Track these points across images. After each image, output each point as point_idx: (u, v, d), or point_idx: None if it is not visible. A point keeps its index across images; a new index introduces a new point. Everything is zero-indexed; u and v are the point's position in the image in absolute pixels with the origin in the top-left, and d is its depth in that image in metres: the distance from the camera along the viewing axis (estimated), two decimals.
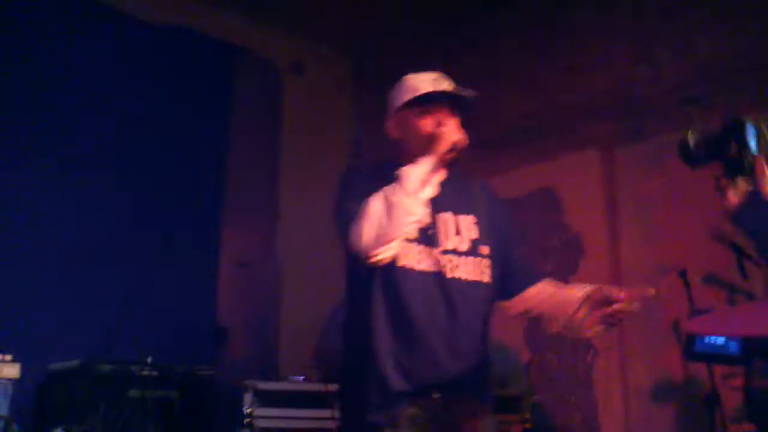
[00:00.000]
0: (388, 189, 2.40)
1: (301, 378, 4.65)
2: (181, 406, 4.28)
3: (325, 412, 4.24)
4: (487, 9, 5.96)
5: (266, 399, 4.31)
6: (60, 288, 4.87)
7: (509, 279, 2.70)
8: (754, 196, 2.14)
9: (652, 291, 2.39)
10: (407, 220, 2.38)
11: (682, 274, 4.42)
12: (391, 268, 2.45)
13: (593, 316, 2.48)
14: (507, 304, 2.74)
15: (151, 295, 5.30)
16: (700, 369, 4.36)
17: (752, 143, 2.09)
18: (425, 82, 2.63)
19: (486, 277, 2.59)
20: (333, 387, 4.30)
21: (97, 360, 4.23)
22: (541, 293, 2.70)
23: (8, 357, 4.05)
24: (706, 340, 2.52)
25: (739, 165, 2.11)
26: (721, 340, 2.63)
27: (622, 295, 2.44)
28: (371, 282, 2.50)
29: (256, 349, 5.82)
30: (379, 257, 2.39)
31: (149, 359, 4.33)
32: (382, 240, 2.37)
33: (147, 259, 5.38)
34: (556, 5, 5.73)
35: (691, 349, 2.61)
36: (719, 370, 4.24)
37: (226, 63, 6.32)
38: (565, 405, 5.12)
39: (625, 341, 4.96)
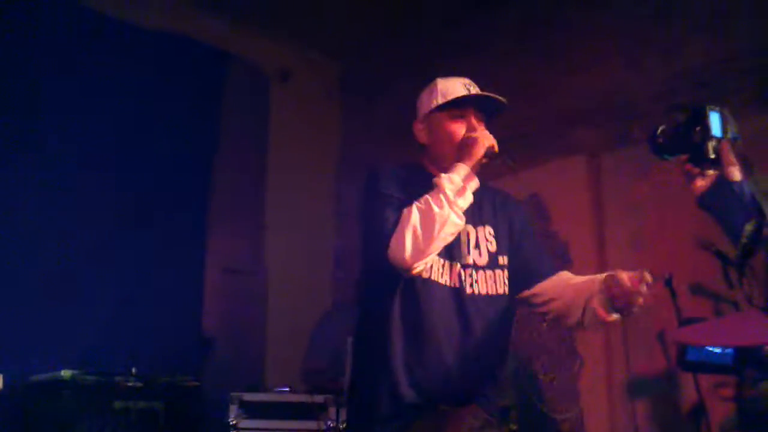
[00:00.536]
0: (426, 199, 2.38)
1: (287, 389, 4.63)
2: (166, 417, 4.26)
3: (311, 424, 4.24)
4: (474, 10, 5.94)
5: (252, 410, 4.30)
6: (44, 298, 4.84)
7: (527, 270, 2.65)
8: (719, 179, 2.23)
9: (648, 276, 2.34)
10: (449, 231, 2.38)
11: (668, 282, 4.41)
12: (414, 279, 2.44)
13: (609, 302, 2.40)
14: (528, 294, 2.66)
15: (136, 304, 5.27)
16: (686, 379, 4.35)
17: (715, 128, 2.08)
18: (457, 86, 2.62)
19: (504, 289, 2.57)
20: (319, 398, 4.31)
21: (81, 371, 4.20)
22: (560, 282, 2.64)
23: None
24: (699, 349, 2.51)
25: (703, 150, 2.14)
26: (715, 349, 2.61)
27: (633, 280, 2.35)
28: (393, 291, 2.48)
29: (242, 359, 5.80)
30: (418, 270, 2.38)
31: (134, 370, 4.31)
32: (424, 253, 2.35)
33: (131, 268, 5.35)
34: (542, 11, 5.71)
35: (683, 358, 2.60)
36: (709, 379, 4.26)
37: (215, 69, 6.30)
38: (552, 414, 5.10)
39: (610, 350, 4.94)
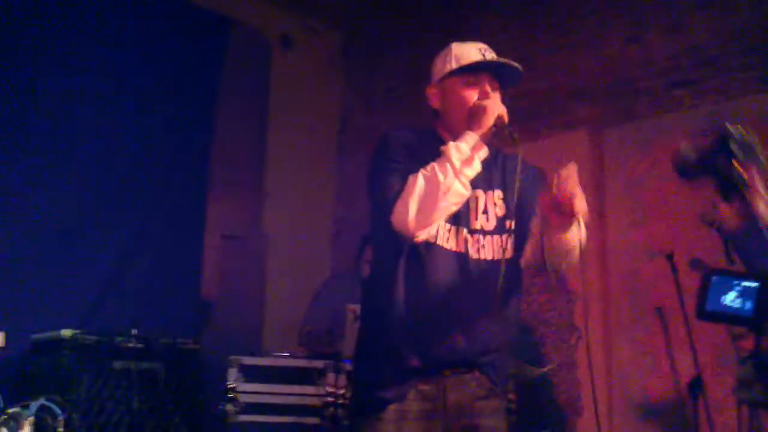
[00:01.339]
0: (433, 166, 2.35)
1: (286, 354, 4.65)
2: (165, 378, 4.28)
3: (309, 389, 4.25)
4: None
5: (250, 374, 4.31)
6: (45, 258, 4.83)
7: (521, 232, 2.59)
8: (749, 222, 2.08)
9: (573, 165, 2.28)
10: (454, 200, 2.36)
11: (669, 258, 4.44)
12: (419, 244, 2.42)
13: (558, 219, 2.35)
14: (523, 260, 2.61)
15: (136, 267, 5.27)
16: (684, 353, 4.39)
17: (738, 152, 2.05)
18: (472, 51, 2.57)
19: (509, 253, 2.50)
20: (319, 363, 4.33)
21: (81, 331, 4.20)
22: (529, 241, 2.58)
23: None
24: (720, 299, 2.51)
25: (729, 179, 2.07)
26: (735, 301, 2.61)
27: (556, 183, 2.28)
28: (398, 256, 2.47)
29: (241, 323, 5.81)
30: (422, 237, 2.37)
31: (134, 331, 4.32)
32: (427, 220, 2.34)
33: (132, 231, 5.34)
34: None
35: (702, 307, 2.59)
36: (709, 354, 4.29)
37: (216, 35, 6.24)
38: (548, 386, 5.14)
39: (609, 324, 4.97)
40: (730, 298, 2.58)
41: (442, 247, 2.46)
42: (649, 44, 5.11)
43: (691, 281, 4.21)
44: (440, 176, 2.32)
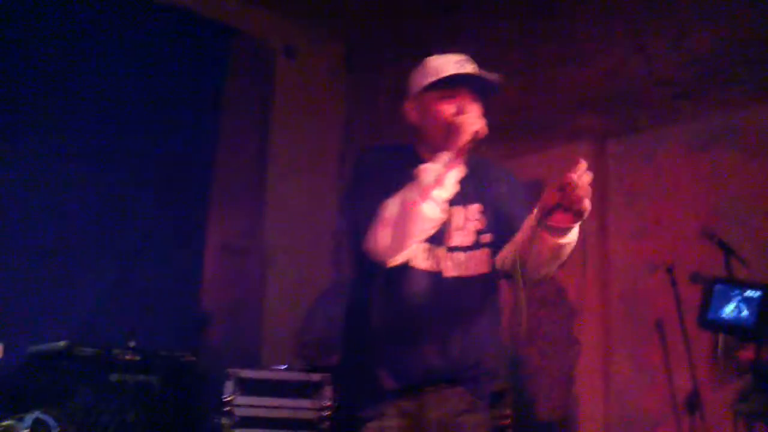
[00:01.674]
0: (406, 191, 2.29)
1: (283, 367, 4.63)
2: (162, 391, 4.26)
3: (306, 402, 4.24)
4: None
5: (247, 387, 4.30)
6: (44, 270, 4.84)
7: (498, 238, 2.51)
8: None
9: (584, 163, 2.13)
10: (428, 225, 2.30)
11: (669, 271, 4.40)
12: (394, 267, 2.38)
13: (560, 219, 2.20)
14: (495, 265, 2.51)
15: (135, 279, 5.28)
16: (682, 368, 4.35)
17: None
18: (448, 64, 2.47)
19: (486, 267, 2.49)
20: (316, 377, 4.31)
21: (78, 343, 4.20)
22: (508, 247, 2.46)
23: None
24: (722, 308, 2.49)
25: None
26: (736, 309, 2.59)
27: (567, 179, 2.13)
28: (372, 279, 2.45)
29: (240, 336, 5.81)
30: (398, 261, 2.34)
31: (131, 343, 4.31)
32: (401, 247, 2.31)
33: (132, 242, 5.35)
34: None
35: (704, 316, 2.57)
36: (707, 369, 4.25)
37: (220, 44, 6.27)
38: (546, 401, 5.11)
39: (608, 338, 4.94)
40: (733, 307, 2.55)
41: (416, 268, 2.42)
42: (652, 56, 5.08)
43: (691, 295, 4.18)
44: (413, 202, 2.26)
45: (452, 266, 2.46)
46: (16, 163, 4.93)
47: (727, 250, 4.04)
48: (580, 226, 2.26)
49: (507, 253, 2.45)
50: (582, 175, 2.10)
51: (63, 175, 5.11)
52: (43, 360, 4.23)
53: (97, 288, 5.08)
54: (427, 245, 2.43)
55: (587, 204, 2.13)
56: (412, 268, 2.42)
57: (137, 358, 4.27)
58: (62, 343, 4.15)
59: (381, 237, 2.29)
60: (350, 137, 6.86)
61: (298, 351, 4.96)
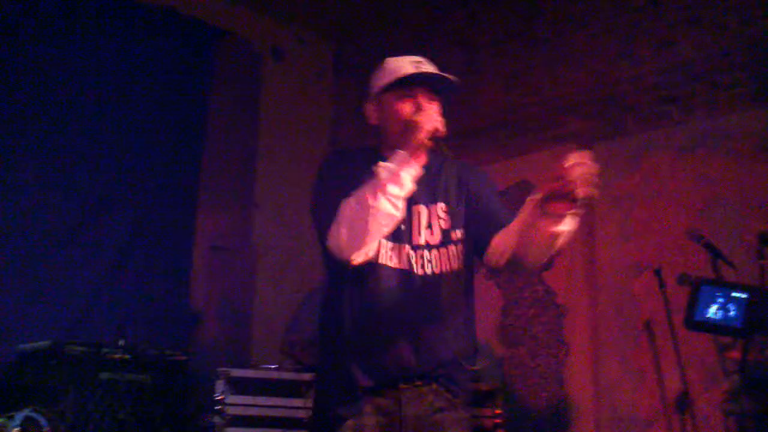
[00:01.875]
0: (364, 189, 2.32)
1: (274, 366, 4.63)
2: (153, 390, 4.25)
3: (297, 401, 4.24)
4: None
5: (238, 386, 4.29)
6: (33, 269, 4.81)
7: (488, 223, 2.53)
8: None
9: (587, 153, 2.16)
10: (384, 221, 2.32)
11: (657, 273, 4.45)
12: (363, 265, 2.40)
13: (558, 206, 2.22)
14: (485, 259, 2.55)
15: (125, 278, 5.26)
16: (672, 369, 4.39)
17: None
18: (406, 64, 2.52)
19: (457, 264, 2.51)
20: (306, 376, 4.32)
21: (68, 342, 4.18)
22: (505, 232, 2.49)
23: None
24: (708, 309, 2.52)
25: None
26: (724, 310, 2.63)
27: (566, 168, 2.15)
28: (342, 278, 2.47)
29: (230, 335, 5.80)
30: (358, 260, 2.35)
31: (121, 342, 4.30)
32: (360, 244, 2.33)
33: (120, 242, 5.33)
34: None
35: (691, 317, 2.61)
36: (696, 372, 4.29)
37: (206, 45, 6.25)
38: (536, 401, 5.14)
39: (597, 339, 4.97)
40: (719, 308, 2.59)
41: (385, 266, 2.45)
42: (639, 60, 5.13)
43: (678, 296, 4.22)
44: (370, 200, 2.29)
45: (421, 264, 2.48)
46: (2, 163, 4.90)
47: (714, 252, 4.08)
48: (576, 218, 2.27)
49: (500, 242, 2.48)
50: (579, 164, 2.13)
51: (50, 176, 5.08)
52: (32, 359, 4.20)
53: (87, 287, 5.06)
54: (392, 243, 2.46)
55: (582, 192, 2.15)
56: (382, 267, 2.44)
57: (127, 356, 4.25)
58: (52, 342, 4.13)
59: (342, 234, 2.32)
60: (337, 139, 6.86)
61: (285, 350, 4.95)
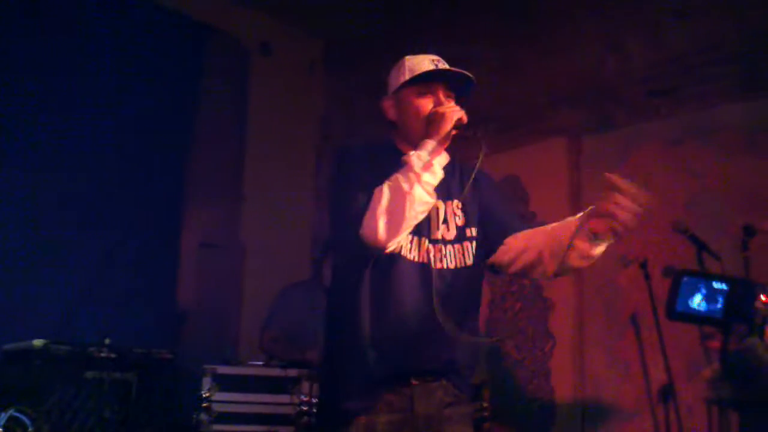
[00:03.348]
0: (396, 177, 2.37)
1: (261, 363, 4.63)
2: (139, 388, 4.24)
3: (284, 397, 4.23)
4: None
5: (225, 383, 4.28)
6: (18, 268, 4.81)
7: (499, 226, 2.63)
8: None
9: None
10: (420, 209, 2.37)
11: (643, 266, 4.45)
12: (383, 256, 2.43)
13: (600, 225, 2.35)
14: (495, 258, 2.62)
15: (111, 277, 5.26)
16: (656, 360, 4.39)
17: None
18: (424, 62, 2.60)
19: (471, 261, 2.56)
20: (293, 372, 4.31)
21: (53, 341, 4.17)
22: (533, 234, 2.59)
23: None
24: (690, 300, 2.53)
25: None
26: (704, 301, 2.63)
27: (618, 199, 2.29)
28: (363, 268, 2.47)
29: (217, 332, 5.80)
30: (391, 248, 2.39)
31: (107, 341, 4.29)
32: (397, 231, 2.35)
33: (108, 240, 5.33)
34: None
35: (672, 308, 2.62)
36: (680, 361, 4.29)
37: (194, 41, 6.25)
38: (523, 394, 5.14)
39: (583, 332, 4.98)
40: (700, 299, 2.58)
41: (405, 258, 2.48)
42: (628, 52, 5.12)
43: (664, 289, 4.20)
44: (405, 186, 2.34)
45: (439, 258, 2.52)
46: None
47: (699, 245, 4.08)
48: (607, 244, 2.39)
49: (519, 245, 2.57)
50: (631, 195, 2.28)
51: (37, 174, 5.08)
52: (18, 358, 4.20)
53: (73, 286, 5.06)
54: (412, 236, 2.49)
55: (631, 223, 2.29)
56: (402, 258, 2.48)
57: (113, 355, 4.24)
58: (37, 341, 4.12)
59: (379, 222, 2.34)
60: (327, 134, 6.86)
61: (263, 347, 4.95)
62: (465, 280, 2.55)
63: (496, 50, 5.74)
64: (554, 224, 2.54)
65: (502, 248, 2.61)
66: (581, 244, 2.39)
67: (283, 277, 5.35)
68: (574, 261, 2.44)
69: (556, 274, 2.52)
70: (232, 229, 6.14)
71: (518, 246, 2.58)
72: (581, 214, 2.42)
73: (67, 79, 5.32)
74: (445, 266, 2.52)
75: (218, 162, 6.27)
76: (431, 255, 2.51)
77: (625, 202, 2.29)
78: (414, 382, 2.47)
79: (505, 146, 5.56)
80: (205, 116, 6.14)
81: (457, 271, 2.53)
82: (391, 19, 6.38)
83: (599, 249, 2.40)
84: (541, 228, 2.58)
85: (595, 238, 2.37)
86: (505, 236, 2.61)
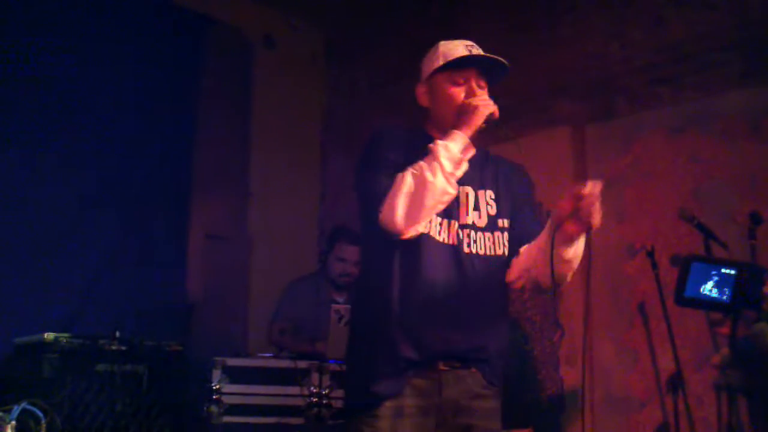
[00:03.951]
0: (420, 165, 2.36)
1: (270, 355, 4.64)
2: (150, 381, 4.25)
3: (294, 389, 4.24)
4: None
5: (235, 375, 4.29)
6: (28, 261, 4.81)
7: (516, 233, 2.63)
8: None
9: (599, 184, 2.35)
10: (441, 199, 2.38)
11: (650, 254, 4.46)
12: (413, 238, 2.43)
13: (571, 226, 2.39)
14: (509, 277, 2.63)
15: (120, 269, 5.26)
16: (665, 349, 4.41)
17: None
18: (458, 47, 2.60)
19: (503, 251, 2.56)
20: (303, 363, 4.33)
21: (64, 334, 4.18)
22: (526, 251, 2.61)
23: None
24: (698, 285, 2.55)
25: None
26: (713, 286, 2.66)
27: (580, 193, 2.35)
28: (391, 250, 2.48)
29: (226, 324, 5.81)
30: (410, 235, 2.38)
31: (117, 333, 4.29)
32: (415, 219, 2.37)
33: (115, 233, 5.33)
34: None
35: (681, 294, 2.65)
36: (688, 352, 4.31)
37: (197, 33, 6.23)
38: (532, 384, 5.15)
39: (591, 321, 4.99)
40: (709, 285, 2.60)
41: (434, 239, 2.48)
42: (630, 41, 5.13)
43: (671, 277, 4.22)
44: (428, 176, 2.34)
45: (468, 243, 2.52)
46: None
47: (706, 233, 4.10)
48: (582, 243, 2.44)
49: (522, 261, 2.58)
50: (594, 191, 2.33)
51: (44, 167, 5.07)
52: (29, 352, 4.20)
53: (83, 279, 5.07)
54: (441, 219, 2.49)
55: (597, 217, 2.33)
56: (432, 240, 2.47)
57: (123, 348, 4.24)
58: (48, 335, 4.12)
59: (397, 208, 2.35)
60: (330, 126, 6.86)
61: (273, 338, 4.96)
62: (495, 269, 2.56)
63: (498, 39, 5.68)
64: (539, 240, 2.54)
65: (511, 269, 2.61)
66: (561, 252, 2.42)
67: (291, 268, 5.36)
68: (562, 268, 2.47)
69: (556, 287, 2.53)
70: (238, 221, 6.15)
71: (522, 263, 2.59)
72: (547, 225, 2.44)
73: (69, 73, 5.30)
74: (474, 252, 2.52)
75: (224, 154, 6.27)
76: (461, 238, 2.51)
77: (579, 196, 2.35)
78: (443, 367, 2.47)
79: (510, 136, 5.55)
80: (209, 108, 6.13)
81: (486, 258, 2.53)
82: (394, 12, 6.36)
83: (579, 246, 2.46)
84: (535, 245, 2.57)
85: (571, 240, 2.42)
86: (521, 244, 2.61)
